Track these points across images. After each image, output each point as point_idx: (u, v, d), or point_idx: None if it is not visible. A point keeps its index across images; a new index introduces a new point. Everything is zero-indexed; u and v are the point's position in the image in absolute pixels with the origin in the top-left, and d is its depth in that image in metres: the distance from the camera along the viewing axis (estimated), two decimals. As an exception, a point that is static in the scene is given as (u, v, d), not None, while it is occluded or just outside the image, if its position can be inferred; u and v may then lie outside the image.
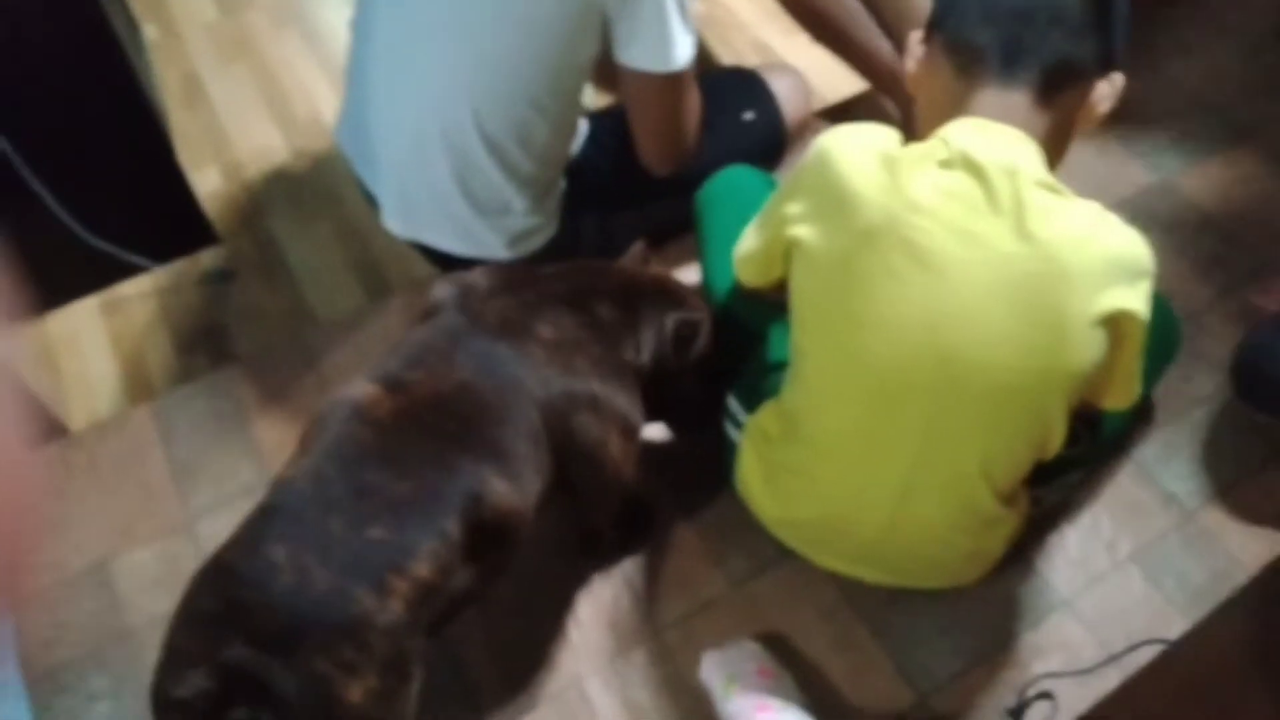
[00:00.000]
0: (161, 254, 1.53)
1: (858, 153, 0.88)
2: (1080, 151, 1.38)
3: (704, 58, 1.81)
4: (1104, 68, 0.89)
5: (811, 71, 1.69)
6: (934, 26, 0.92)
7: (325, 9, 2.00)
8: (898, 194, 0.84)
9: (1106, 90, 0.90)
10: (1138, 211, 1.45)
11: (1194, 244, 1.42)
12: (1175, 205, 1.47)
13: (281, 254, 1.56)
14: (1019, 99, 0.86)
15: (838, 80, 1.62)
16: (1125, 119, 1.56)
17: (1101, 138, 1.52)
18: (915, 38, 0.94)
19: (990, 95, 0.86)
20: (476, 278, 1.01)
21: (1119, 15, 0.89)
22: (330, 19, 1.97)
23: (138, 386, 1.40)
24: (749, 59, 1.81)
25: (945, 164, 0.84)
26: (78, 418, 1.35)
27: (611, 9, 1.03)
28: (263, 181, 1.67)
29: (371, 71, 1.17)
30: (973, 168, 0.83)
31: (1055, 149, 0.89)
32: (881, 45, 1.45)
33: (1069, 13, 0.86)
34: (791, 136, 1.36)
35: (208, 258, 1.56)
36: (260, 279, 1.53)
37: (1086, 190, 1.43)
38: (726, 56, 1.82)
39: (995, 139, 0.84)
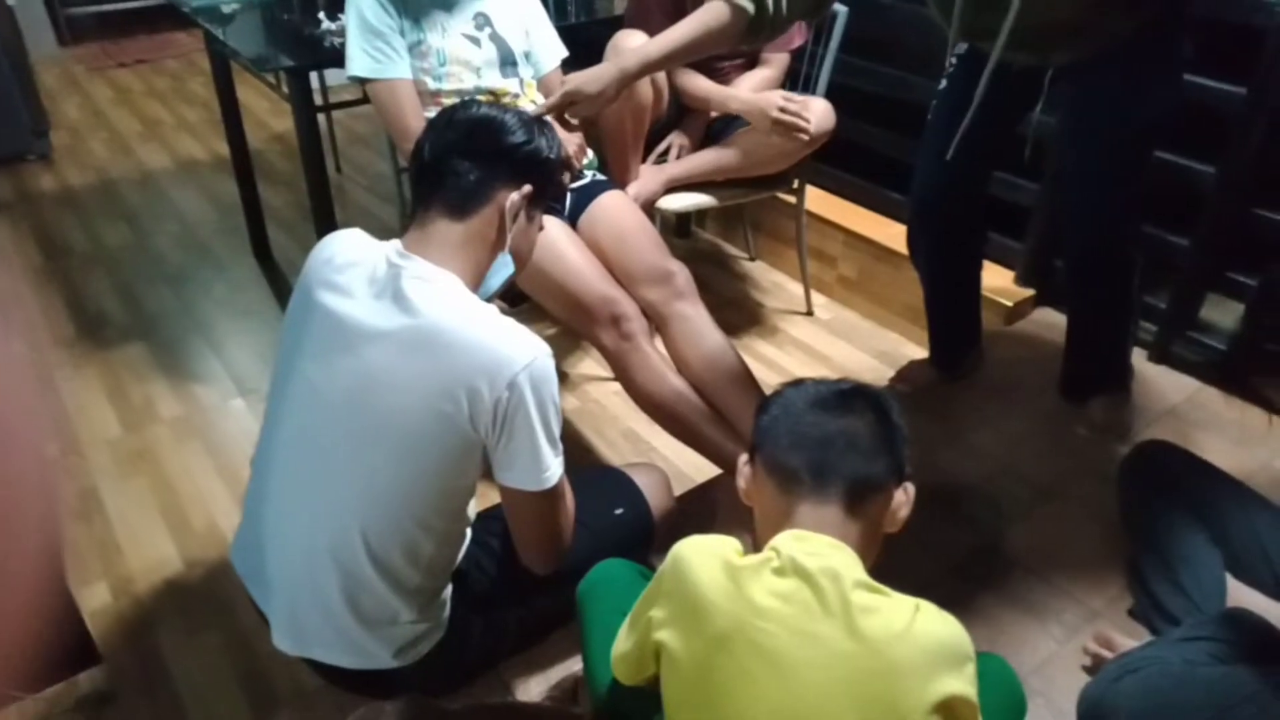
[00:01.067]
0: (37, 681, 1.49)
1: (706, 564, 1.01)
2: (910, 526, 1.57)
3: (579, 447, 2.03)
4: (897, 479, 1.08)
5: (677, 458, 1.91)
6: (755, 450, 1.11)
7: (228, 421, 2.16)
8: (743, 600, 0.96)
9: (902, 497, 1.08)
10: (969, 576, 1.63)
11: (1028, 599, 1.59)
12: (1004, 564, 1.66)
13: (166, 669, 1.55)
14: (832, 511, 1.02)
15: (697, 466, 1.83)
16: (941, 490, 1.81)
17: (928, 510, 1.73)
18: (742, 459, 1.13)
19: (807, 509, 1.03)
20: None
21: (901, 438, 1.10)
22: (232, 430, 2.12)
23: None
24: (620, 446, 2.03)
25: (779, 571, 0.98)
26: None
27: (489, 441, 1.19)
28: (152, 594, 1.69)
29: (267, 497, 1.28)
30: (802, 574, 0.96)
31: (868, 550, 1.04)
32: (726, 444, 1.68)
33: (860, 440, 1.06)
34: (658, 526, 1.51)
35: (86, 679, 1.53)
36: (142, 698, 1.50)
37: (924, 561, 1.60)
38: (600, 445, 2.03)
39: (817, 547, 0.99)
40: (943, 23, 1.69)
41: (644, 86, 2.14)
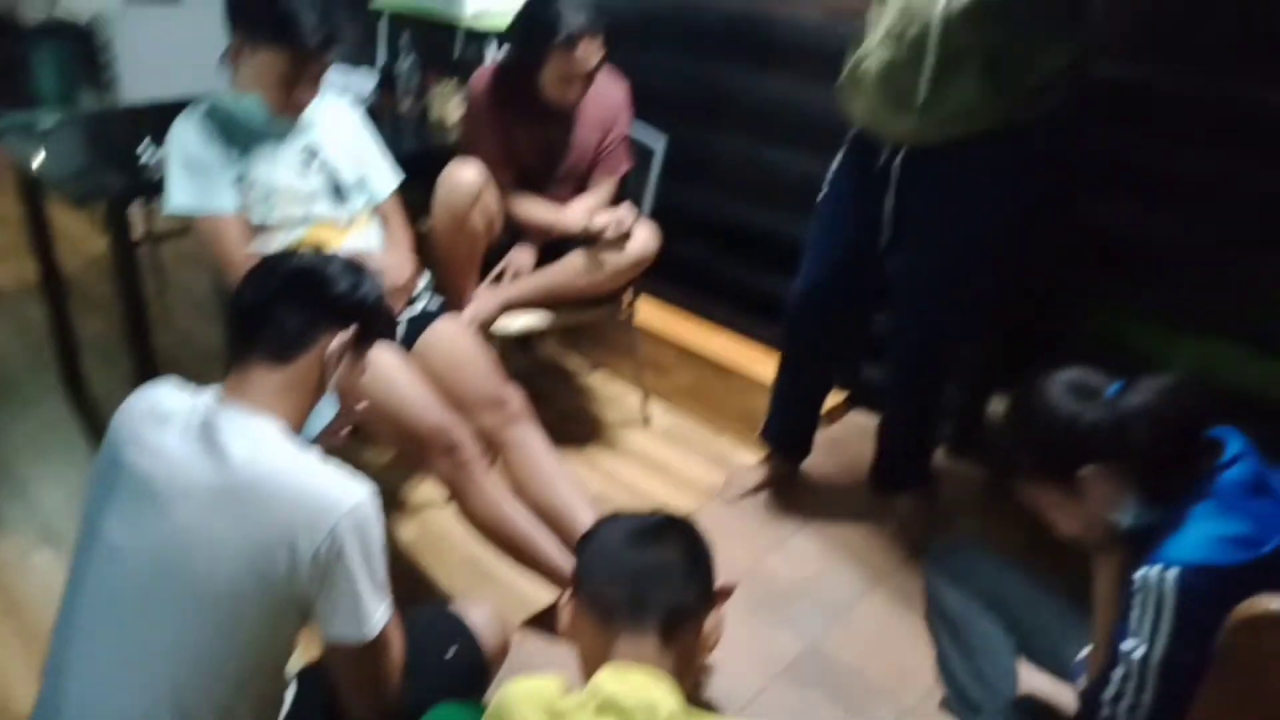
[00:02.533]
0: None
1: (528, 712, 1.03)
2: (737, 635, 1.63)
3: (419, 577, 2.01)
4: (707, 606, 1.15)
5: (520, 582, 1.92)
6: (576, 587, 1.16)
7: (29, 577, 2.00)
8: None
9: (713, 622, 1.15)
10: (795, 680, 1.71)
11: (848, 698, 1.68)
12: (826, 665, 1.75)
13: None
14: (649, 641, 1.08)
15: (540, 589, 1.85)
16: (768, 595, 1.90)
17: (753, 618, 1.82)
18: (564, 597, 1.17)
19: (626, 641, 1.08)
20: None
21: (709, 565, 1.18)
22: (35, 586, 1.97)
23: None
24: (461, 573, 2.03)
25: (599, 710, 1.01)
26: None
27: (309, 594, 1.18)
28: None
29: (67, 670, 1.20)
30: (621, 712, 1.00)
31: (684, 675, 1.10)
32: (564, 568, 1.72)
33: (673, 570, 1.13)
34: (492, 663, 1.51)
35: None
36: None
37: (752, 669, 1.66)
38: (439, 573, 2.02)
39: (635, 684, 1.04)
40: (854, 110, 1.77)
41: (477, 212, 2.22)
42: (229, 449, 1.16)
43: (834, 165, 1.93)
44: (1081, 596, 1.40)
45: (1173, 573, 1.18)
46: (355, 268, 1.35)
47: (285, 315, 1.25)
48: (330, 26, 1.83)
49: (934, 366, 2.03)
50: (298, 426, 1.27)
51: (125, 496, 1.18)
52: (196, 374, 1.38)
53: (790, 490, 2.25)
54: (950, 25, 1.55)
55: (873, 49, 1.68)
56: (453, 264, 2.29)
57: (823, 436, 2.46)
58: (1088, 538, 1.34)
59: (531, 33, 2.18)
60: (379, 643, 1.24)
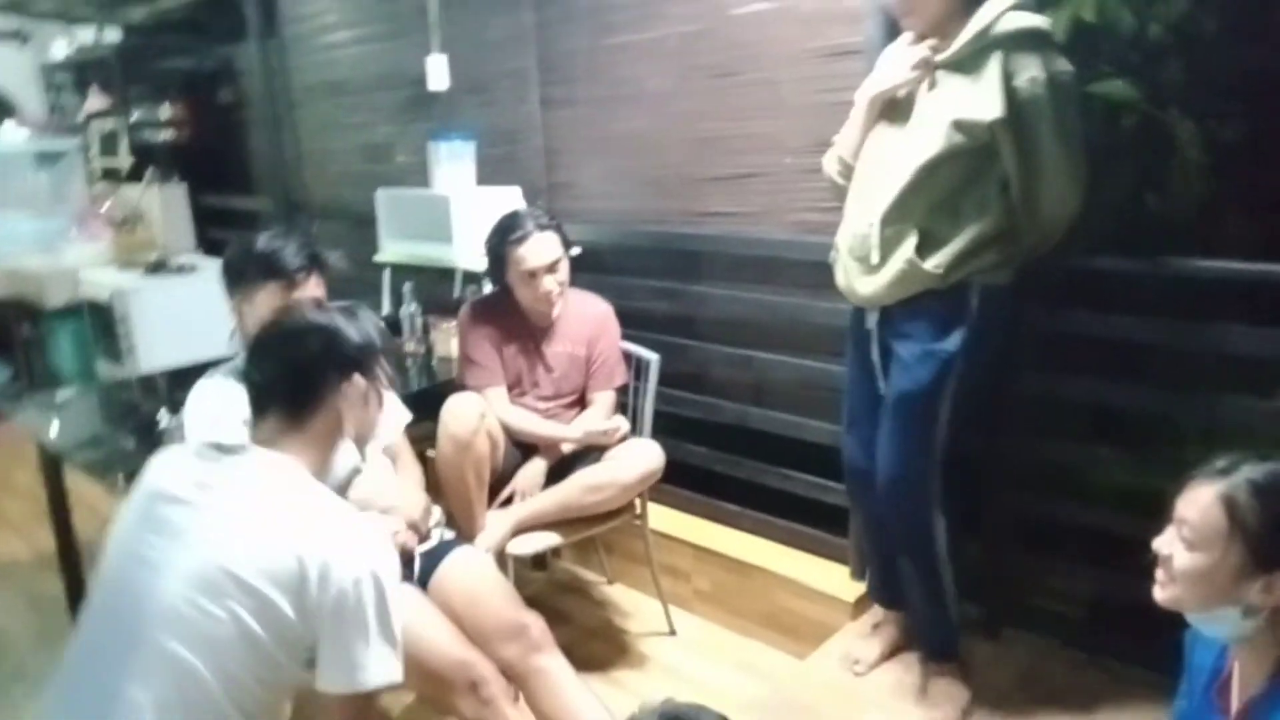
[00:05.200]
0: None
1: None
2: None
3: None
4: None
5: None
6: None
7: None
8: None
9: None
10: None
11: None
12: None
13: None
14: None
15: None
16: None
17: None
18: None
19: None
20: None
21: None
22: None
23: None
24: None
25: None
26: None
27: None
28: None
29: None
30: None
31: None
32: None
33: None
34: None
35: None
36: None
37: None
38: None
39: None
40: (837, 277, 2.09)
41: (480, 438, 2.29)
42: (248, 480, 1.34)
43: (848, 327, 2.18)
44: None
45: None
46: (328, 323, 1.47)
47: (284, 390, 1.42)
48: (310, 251, 1.98)
49: (908, 507, 2.03)
50: (320, 471, 1.43)
51: (141, 533, 1.34)
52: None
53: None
54: (888, 212, 1.93)
55: (844, 230, 2.06)
56: (460, 492, 2.33)
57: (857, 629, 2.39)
58: (1190, 607, 1.28)
59: (495, 242, 2.45)
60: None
